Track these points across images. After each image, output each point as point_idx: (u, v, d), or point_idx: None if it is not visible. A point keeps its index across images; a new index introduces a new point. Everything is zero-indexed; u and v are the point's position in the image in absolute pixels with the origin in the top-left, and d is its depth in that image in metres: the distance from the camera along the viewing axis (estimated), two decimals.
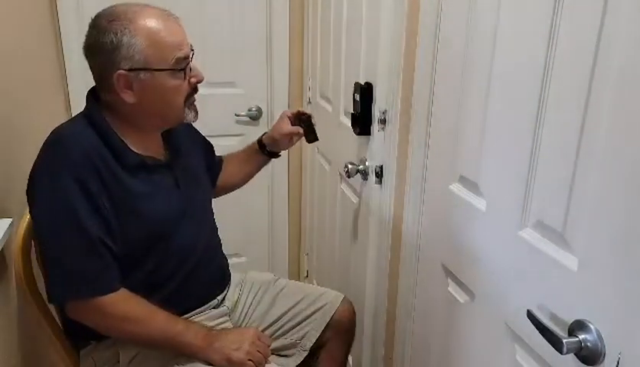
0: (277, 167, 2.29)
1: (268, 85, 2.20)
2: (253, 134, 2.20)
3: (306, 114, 1.40)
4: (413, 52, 1.18)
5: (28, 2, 1.67)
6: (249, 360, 1.11)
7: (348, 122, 1.49)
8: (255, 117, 2.22)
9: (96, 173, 1.02)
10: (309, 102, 2.16)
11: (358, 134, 1.41)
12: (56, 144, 1.05)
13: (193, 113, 1.13)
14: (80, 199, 1.00)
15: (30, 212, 1.05)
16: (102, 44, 1.01)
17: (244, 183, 1.51)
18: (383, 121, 1.33)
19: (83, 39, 1.00)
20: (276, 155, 1.47)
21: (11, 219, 1.20)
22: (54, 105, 1.91)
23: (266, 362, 1.15)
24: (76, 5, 1.91)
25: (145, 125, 1.12)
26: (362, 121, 1.39)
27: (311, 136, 1.40)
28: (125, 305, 1.06)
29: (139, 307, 1.07)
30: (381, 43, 1.29)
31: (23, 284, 1.14)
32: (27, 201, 1.05)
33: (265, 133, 1.45)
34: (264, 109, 2.22)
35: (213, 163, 1.42)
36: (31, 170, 1.05)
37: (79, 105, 1.96)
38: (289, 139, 1.41)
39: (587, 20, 0.66)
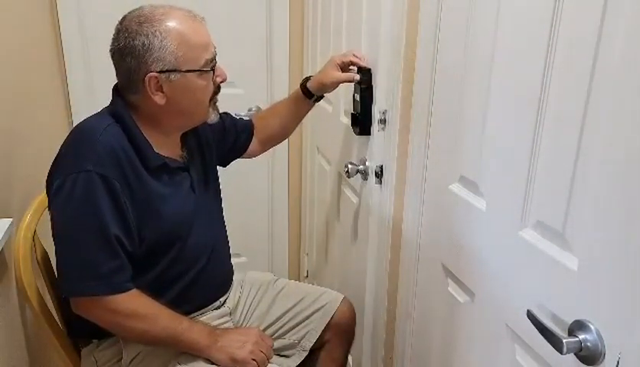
0: (277, 167, 2.29)
1: (268, 85, 2.21)
2: None
3: (366, 69, 1.34)
4: (413, 52, 1.18)
5: (28, 3, 1.67)
6: (253, 359, 1.11)
7: (348, 122, 1.50)
8: None
9: (121, 171, 1.02)
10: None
11: (358, 134, 1.41)
12: (82, 138, 1.05)
13: (215, 112, 1.16)
14: (102, 195, 1.00)
15: (49, 203, 1.04)
16: (132, 47, 1.01)
17: (291, 132, 1.55)
18: (383, 121, 1.33)
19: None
20: (321, 98, 1.47)
21: (11, 219, 1.19)
22: (54, 106, 1.91)
23: (268, 362, 1.15)
24: (76, 6, 1.91)
25: (169, 126, 1.12)
26: (362, 121, 1.39)
27: (364, 88, 1.34)
28: (133, 303, 1.06)
29: (146, 305, 1.07)
30: (381, 43, 1.29)
31: (23, 284, 1.14)
32: (47, 192, 1.05)
33: (307, 79, 1.43)
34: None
35: (239, 131, 1.43)
36: (54, 161, 1.05)
37: (79, 105, 1.98)
38: (337, 84, 1.40)
39: (587, 20, 0.66)
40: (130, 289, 1.05)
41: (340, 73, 1.36)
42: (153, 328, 1.07)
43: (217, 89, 1.14)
